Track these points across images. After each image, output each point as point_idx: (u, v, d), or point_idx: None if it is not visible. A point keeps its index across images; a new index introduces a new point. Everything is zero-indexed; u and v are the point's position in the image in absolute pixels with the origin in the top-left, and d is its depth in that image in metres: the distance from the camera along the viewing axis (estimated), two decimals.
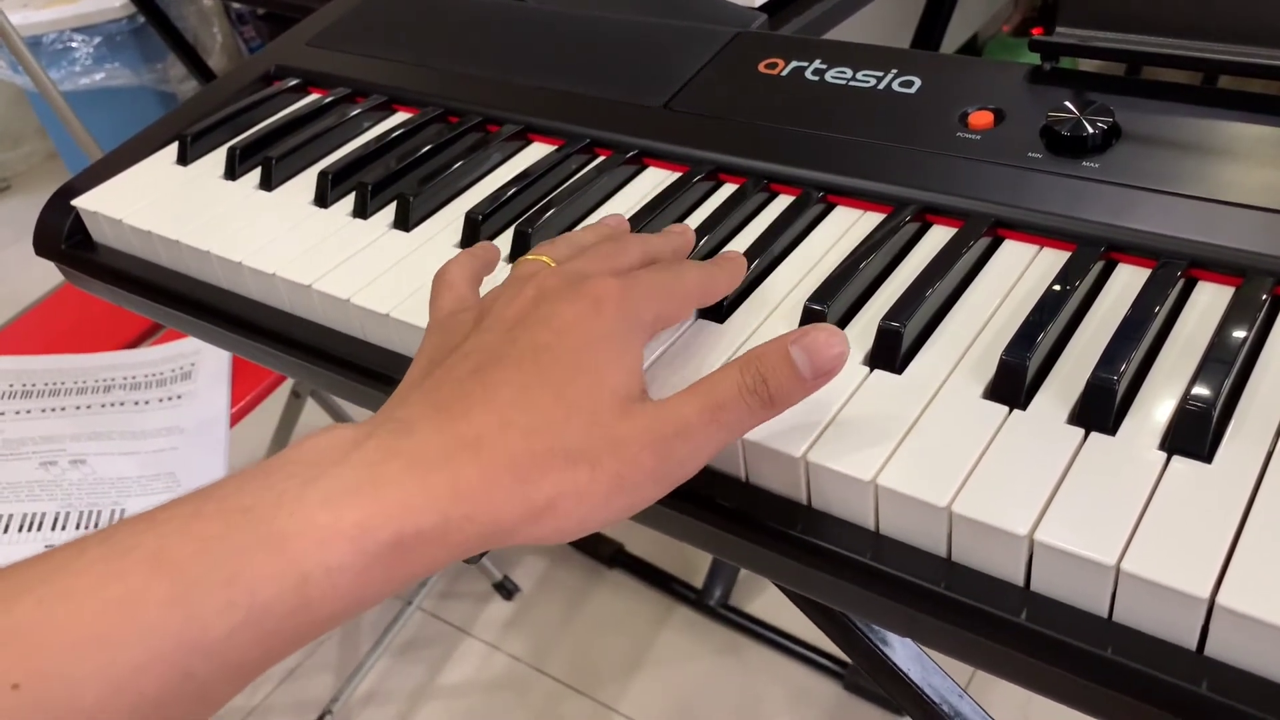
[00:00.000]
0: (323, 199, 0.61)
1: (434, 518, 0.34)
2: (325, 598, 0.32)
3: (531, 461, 0.35)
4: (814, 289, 0.46)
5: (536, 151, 0.63)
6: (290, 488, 0.33)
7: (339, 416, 1.37)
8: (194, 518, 0.32)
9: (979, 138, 0.52)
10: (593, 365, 0.38)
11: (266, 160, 0.64)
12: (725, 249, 0.50)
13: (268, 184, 0.64)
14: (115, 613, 0.29)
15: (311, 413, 1.35)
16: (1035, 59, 0.57)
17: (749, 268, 0.48)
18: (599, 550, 1.46)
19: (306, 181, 0.63)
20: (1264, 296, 0.42)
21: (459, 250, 0.55)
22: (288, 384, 1.26)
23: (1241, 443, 0.37)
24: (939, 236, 0.50)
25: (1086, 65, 0.60)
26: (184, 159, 0.68)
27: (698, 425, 0.37)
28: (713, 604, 1.36)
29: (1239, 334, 0.40)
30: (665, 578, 1.41)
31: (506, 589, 1.43)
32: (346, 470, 0.34)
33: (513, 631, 1.39)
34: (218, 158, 0.67)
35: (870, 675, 0.53)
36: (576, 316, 0.39)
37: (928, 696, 0.54)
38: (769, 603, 1.35)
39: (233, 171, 0.66)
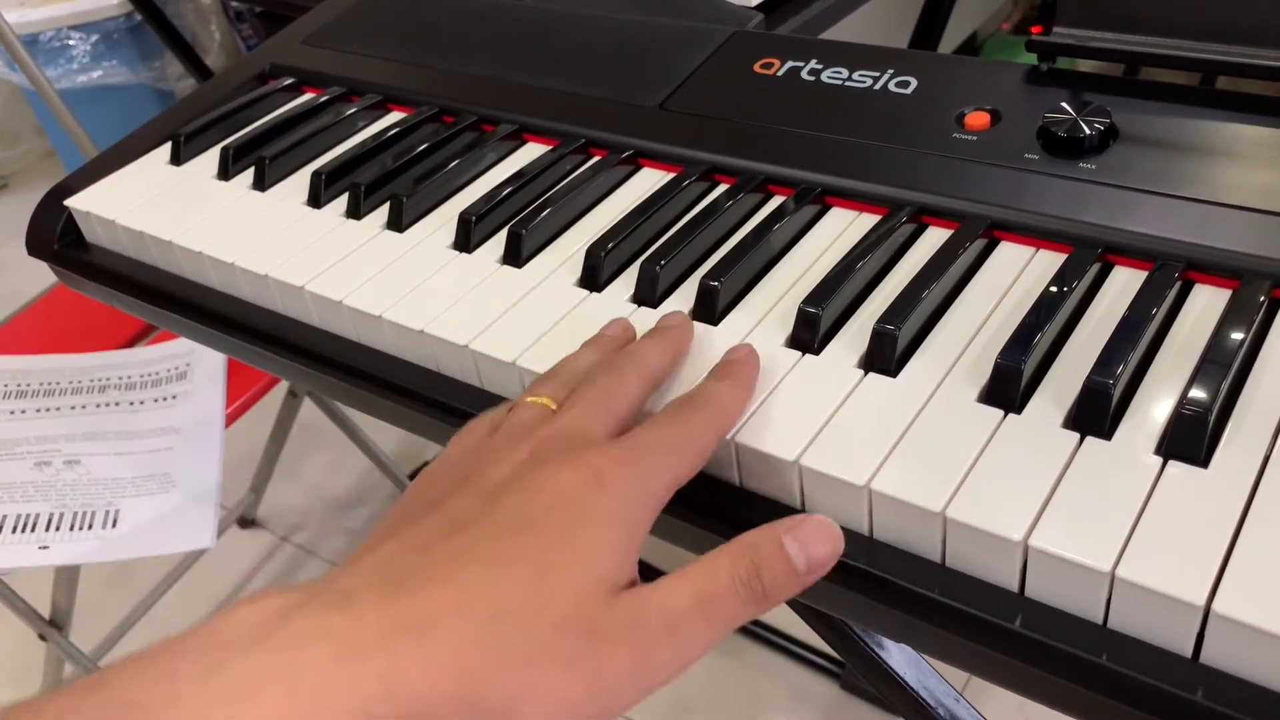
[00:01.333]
0: (316, 199, 0.61)
1: None
2: None
3: (490, 655, 0.30)
4: (809, 291, 0.46)
5: (531, 151, 0.63)
6: (189, 679, 0.28)
7: (335, 415, 1.37)
8: (72, 713, 0.27)
9: (975, 139, 0.52)
10: (583, 547, 0.33)
11: (260, 160, 0.64)
12: (731, 355, 0.43)
13: (261, 184, 0.63)
14: None
15: (308, 411, 1.35)
16: (1032, 59, 0.56)
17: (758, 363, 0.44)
18: None
19: (300, 182, 0.63)
20: (1261, 299, 0.42)
21: (452, 251, 0.55)
22: (284, 383, 1.26)
23: (1238, 447, 0.37)
24: (935, 238, 0.50)
25: (1084, 66, 0.60)
26: (177, 159, 0.68)
27: (686, 620, 0.33)
28: None
29: (1236, 337, 0.40)
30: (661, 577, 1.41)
31: None
32: (260, 654, 0.28)
33: None
34: (211, 157, 0.67)
35: (867, 680, 0.53)
36: (574, 487, 0.34)
37: (924, 700, 0.54)
38: None
39: (226, 172, 0.65)
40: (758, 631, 1.32)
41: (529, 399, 0.40)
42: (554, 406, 0.39)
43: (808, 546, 0.35)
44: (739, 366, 0.42)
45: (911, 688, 0.54)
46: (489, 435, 0.39)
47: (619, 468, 0.35)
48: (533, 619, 0.31)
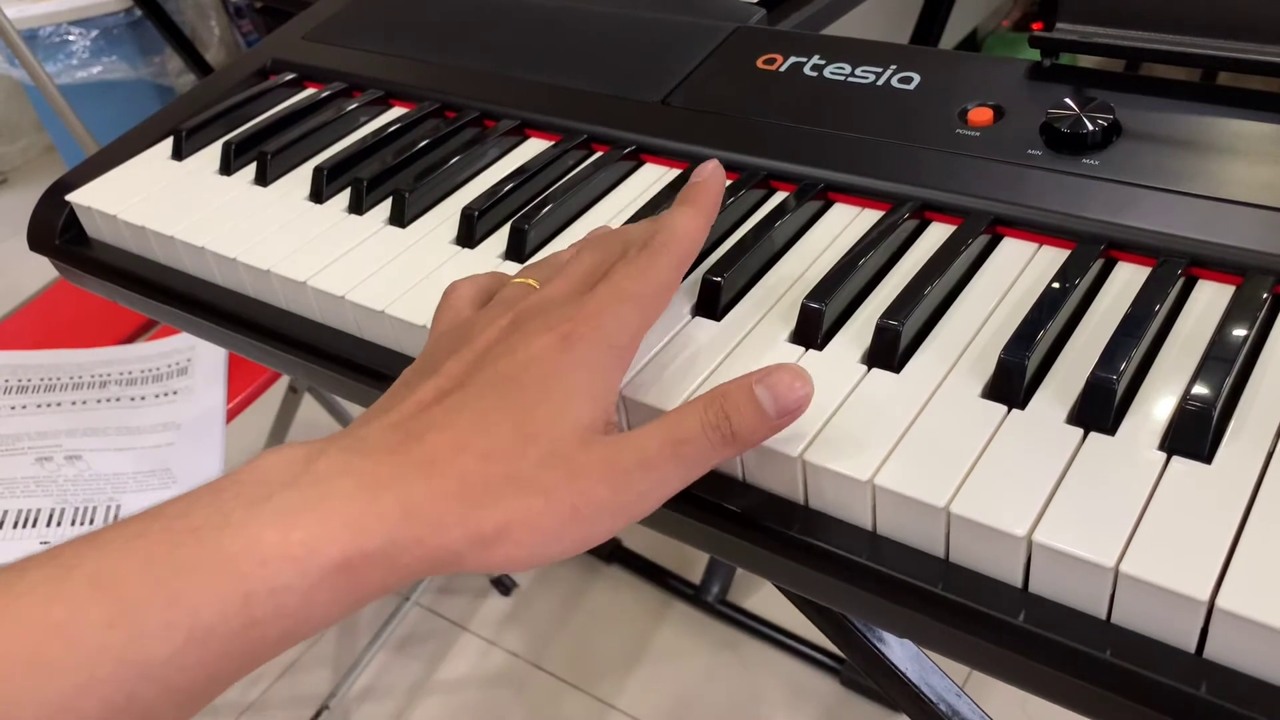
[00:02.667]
0: (318, 194, 0.61)
1: (381, 539, 0.33)
2: (271, 618, 0.31)
3: (483, 486, 0.35)
4: (812, 286, 0.46)
5: (533, 147, 0.63)
6: (237, 507, 0.32)
7: (336, 412, 1.37)
8: (138, 537, 0.31)
9: (978, 134, 0.52)
10: (558, 395, 0.37)
11: (262, 155, 0.64)
12: (701, 168, 0.46)
13: (263, 179, 0.63)
14: (54, 635, 0.29)
15: (309, 408, 1.35)
16: (1035, 54, 0.56)
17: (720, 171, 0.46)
18: (597, 546, 1.45)
19: (302, 177, 0.63)
20: (1264, 295, 0.42)
21: (454, 246, 0.55)
22: (285, 379, 1.26)
23: (1242, 443, 0.37)
24: (938, 234, 0.50)
25: (1086, 61, 0.60)
26: (179, 154, 0.68)
27: (658, 459, 0.37)
28: (710, 600, 1.36)
29: (1239, 333, 0.40)
30: (663, 573, 1.41)
31: (504, 585, 1.43)
32: (296, 489, 0.33)
33: (510, 627, 1.39)
34: (213, 153, 0.67)
35: (868, 675, 0.53)
36: (544, 348, 0.38)
37: (925, 696, 0.54)
38: (766, 599, 1.35)
39: (228, 167, 0.65)
40: (756, 627, 1.32)
41: (516, 279, 0.45)
42: (536, 286, 0.43)
43: (777, 392, 0.38)
44: (700, 190, 0.46)
45: (913, 683, 0.54)
46: (469, 310, 0.45)
47: (585, 328, 0.39)
48: (518, 455, 0.36)
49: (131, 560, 0.31)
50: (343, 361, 0.53)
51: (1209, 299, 0.44)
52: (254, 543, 0.32)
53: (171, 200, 0.63)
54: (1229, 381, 0.38)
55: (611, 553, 1.44)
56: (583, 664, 1.34)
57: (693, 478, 0.38)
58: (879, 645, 0.53)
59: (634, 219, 0.53)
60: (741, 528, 0.41)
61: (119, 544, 0.31)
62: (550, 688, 1.32)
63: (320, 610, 0.33)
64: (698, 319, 0.47)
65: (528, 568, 0.36)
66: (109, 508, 0.90)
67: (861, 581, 0.39)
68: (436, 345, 0.42)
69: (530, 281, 0.44)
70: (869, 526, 0.39)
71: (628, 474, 0.36)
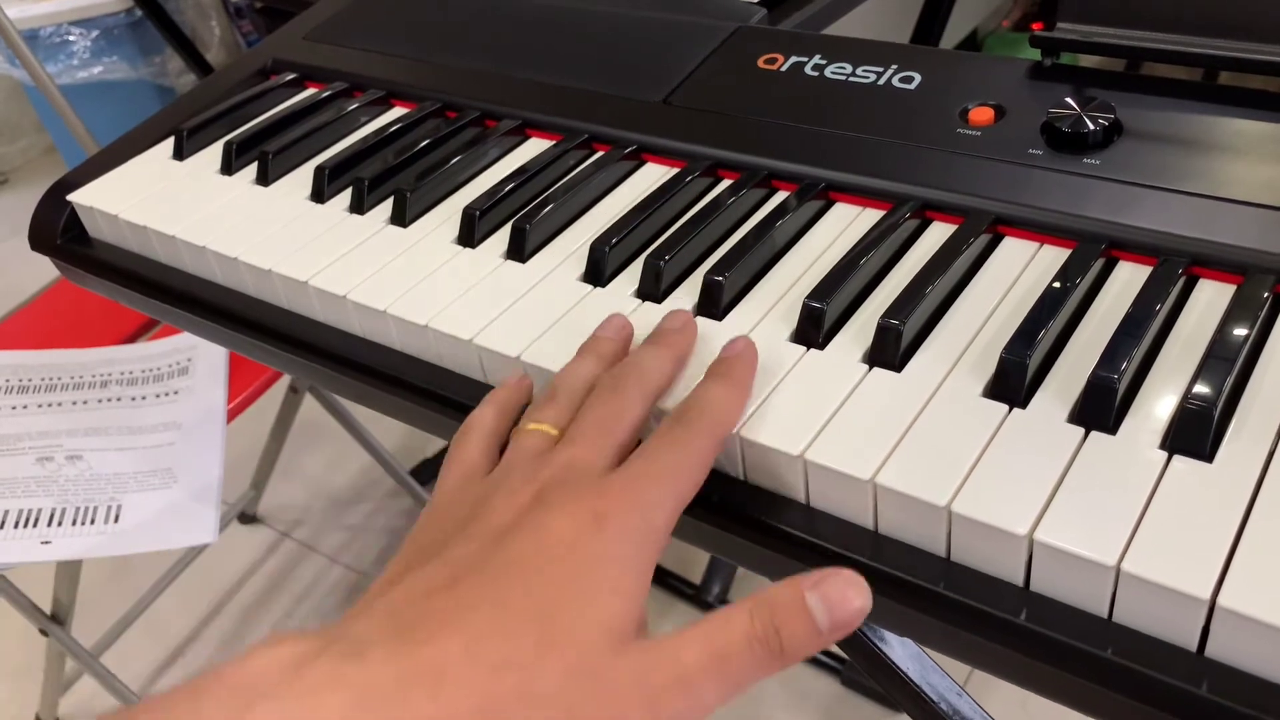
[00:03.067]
0: (319, 194, 0.61)
1: None
2: None
3: (498, 704, 0.30)
4: (813, 286, 0.46)
5: (534, 147, 0.63)
6: (215, 718, 0.29)
7: (337, 412, 1.37)
8: None
9: (979, 134, 0.52)
10: (587, 592, 0.33)
11: (263, 155, 0.64)
12: (726, 352, 0.43)
13: (264, 179, 0.63)
14: None
15: (310, 408, 1.35)
16: (1036, 54, 0.56)
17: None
18: None
19: (303, 177, 0.63)
20: (1265, 294, 0.42)
21: (456, 246, 0.55)
22: (286, 379, 1.26)
23: (1243, 442, 0.37)
24: (939, 233, 0.50)
25: (1087, 61, 0.60)
26: (180, 154, 0.68)
27: (698, 675, 0.32)
28: (711, 600, 1.36)
29: (1240, 332, 0.40)
30: (663, 573, 1.41)
31: None
32: (284, 700, 0.29)
33: None
34: (214, 152, 0.67)
35: (869, 674, 0.53)
36: (575, 534, 0.34)
37: (926, 695, 0.54)
38: None
39: (229, 166, 0.65)
40: None
41: (530, 426, 0.40)
42: (555, 433, 0.40)
43: (832, 605, 0.33)
44: (735, 364, 0.42)
45: (914, 682, 0.54)
46: (483, 459, 0.40)
47: (619, 507, 0.35)
48: (540, 666, 0.31)
49: None
50: (344, 361, 0.53)
51: (1210, 298, 0.44)
52: None
53: (173, 200, 0.63)
54: (1230, 381, 0.38)
55: None
56: None
57: (731, 697, 0.33)
58: (880, 644, 0.53)
59: (636, 214, 0.53)
60: (743, 526, 0.41)
61: None
62: None
63: None
64: (699, 319, 0.47)
65: None
66: (110, 507, 0.90)
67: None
68: (447, 509, 0.38)
69: (548, 429, 0.40)
70: (870, 525, 0.39)
71: (662, 692, 0.32)
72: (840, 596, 0.33)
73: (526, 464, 0.38)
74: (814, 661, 1.27)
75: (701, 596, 1.36)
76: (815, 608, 0.33)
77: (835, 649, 1.25)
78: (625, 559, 0.34)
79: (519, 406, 0.44)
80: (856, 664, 0.53)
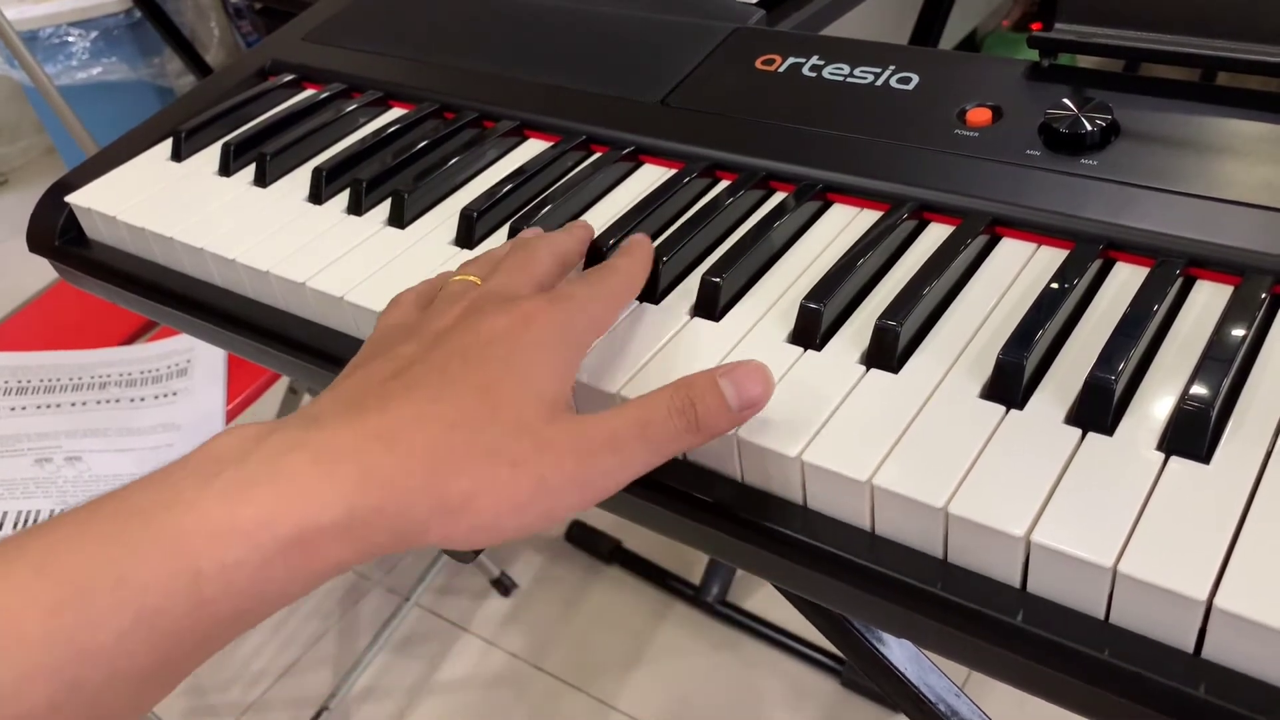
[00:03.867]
0: (317, 196, 0.61)
1: (338, 510, 0.32)
2: (222, 596, 0.31)
3: (449, 453, 0.34)
4: (810, 287, 0.46)
5: (532, 148, 0.63)
6: (187, 486, 0.32)
7: None
8: (85, 521, 0.31)
9: (977, 135, 0.52)
10: (522, 369, 0.37)
11: (261, 156, 0.64)
12: (630, 238, 0.50)
13: (262, 180, 0.63)
14: None
15: None
16: (1034, 55, 0.56)
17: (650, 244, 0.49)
18: (597, 546, 1.46)
19: (301, 178, 0.63)
20: (1262, 295, 0.42)
21: (454, 247, 0.55)
22: (284, 380, 1.26)
23: (1240, 443, 0.37)
24: (936, 234, 0.50)
25: (1085, 62, 0.60)
26: (178, 155, 0.68)
27: (624, 437, 0.37)
28: (710, 600, 1.36)
29: (1237, 333, 0.40)
30: (663, 574, 1.41)
31: (504, 585, 1.43)
32: (246, 465, 0.33)
33: (510, 628, 1.39)
34: (212, 154, 0.67)
35: (867, 675, 0.53)
36: (507, 327, 0.39)
37: (924, 696, 0.54)
38: (766, 599, 1.35)
39: (227, 168, 0.65)
40: (756, 627, 1.32)
41: (456, 277, 0.45)
42: (478, 281, 0.44)
43: (740, 385, 0.39)
44: (635, 246, 0.48)
45: (912, 683, 0.54)
46: (414, 309, 0.44)
47: (545, 311, 0.40)
48: (484, 425, 0.35)
49: (78, 543, 0.30)
50: (341, 362, 0.53)
51: (1207, 299, 0.44)
52: (203, 519, 0.31)
53: (171, 201, 0.63)
54: (1227, 382, 0.38)
55: (612, 553, 1.44)
56: (583, 664, 1.34)
57: (656, 462, 0.38)
58: (878, 646, 0.53)
59: (634, 215, 0.53)
60: (741, 528, 0.41)
61: (66, 529, 0.31)
62: (550, 688, 1.32)
63: (275, 588, 0.32)
64: (696, 319, 0.47)
65: (490, 542, 0.35)
66: None
67: (860, 582, 0.39)
68: (384, 336, 0.42)
69: (472, 278, 0.44)
70: (868, 527, 0.39)
71: (595, 450, 0.36)
72: (747, 380, 0.39)
73: (452, 296, 0.43)
74: (814, 663, 1.27)
75: (701, 597, 1.36)
76: (725, 388, 0.39)
77: (835, 650, 1.25)
78: (554, 348, 0.39)
79: (441, 283, 0.47)
80: (854, 665, 0.53)
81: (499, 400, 0.36)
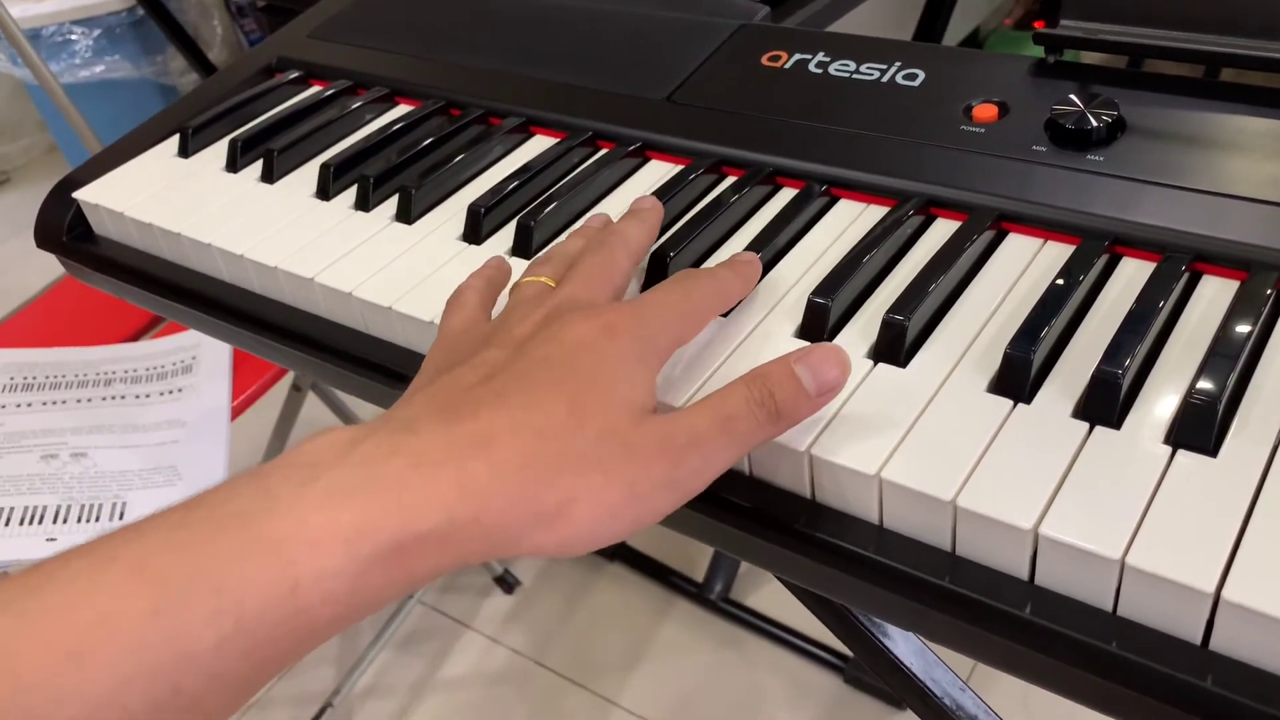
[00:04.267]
0: (325, 191, 0.61)
1: (436, 519, 0.32)
2: (319, 604, 0.30)
3: (545, 462, 0.34)
4: (818, 282, 0.46)
5: (539, 144, 0.63)
6: (284, 491, 0.32)
7: (340, 410, 1.37)
8: (180, 526, 0.31)
9: (983, 130, 0.52)
10: (605, 378, 0.37)
11: (268, 153, 0.64)
12: (736, 252, 0.48)
13: (269, 176, 0.64)
14: (96, 627, 0.28)
15: (312, 406, 1.35)
16: (1038, 52, 0.56)
17: (759, 265, 0.48)
18: None
19: (308, 174, 0.63)
20: (1268, 291, 0.42)
21: (461, 243, 0.55)
22: (289, 377, 1.26)
23: (1246, 437, 0.37)
24: (943, 230, 0.50)
25: (1090, 58, 0.60)
26: (185, 151, 0.68)
27: (709, 435, 0.37)
28: (713, 597, 1.36)
29: (1244, 328, 0.40)
30: (666, 571, 1.41)
31: (507, 582, 1.43)
32: (343, 470, 0.32)
33: (513, 625, 1.39)
34: (219, 150, 0.67)
35: (872, 669, 0.53)
36: (591, 336, 0.38)
37: (930, 690, 0.54)
38: (769, 596, 1.35)
39: (234, 164, 0.65)
40: (759, 625, 1.32)
41: (527, 279, 0.44)
42: (552, 284, 0.43)
43: (817, 370, 0.39)
44: (743, 263, 0.47)
45: (918, 677, 0.54)
46: (480, 311, 0.44)
47: (628, 322, 0.39)
48: (574, 433, 0.35)
49: (174, 548, 0.30)
50: (349, 357, 0.54)
51: (1213, 294, 0.44)
52: (300, 525, 0.31)
53: (178, 197, 0.63)
54: (1234, 376, 0.38)
55: (614, 551, 1.44)
56: (585, 662, 1.34)
57: (740, 455, 0.39)
58: (883, 639, 0.53)
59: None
60: (748, 521, 0.41)
61: (161, 533, 0.30)
62: (553, 685, 1.32)
63: (371, 595, 0.32)
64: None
65: (582, 549, 0.35)
66: (114, 505, 0.90)
67: (868, 575, 0.39)
68: (458, 341, 0.42)
69: (546, 280, 0.44)
70: (875, 520, 0.40)
71: (681, 450, 0.36)
72: (823, 364, 0.39)
73: (530, 301, 0.42)
74: (817, 660, 1.28)
75: (704, 594, 1.36)
76: (802, 374, 0.39)
77: (838, 647, 1.25)
78: (637, 359, 0.39)
79: (503, 283, 0.48)
80: (860, 659, 0.53)
81: (586, 410, 0.36)
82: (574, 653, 1.35)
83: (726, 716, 1.26)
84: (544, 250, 0.46)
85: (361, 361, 0.53)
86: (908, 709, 0.56)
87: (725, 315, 0.47)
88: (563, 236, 0.55)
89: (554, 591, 1.43)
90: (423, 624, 1.41)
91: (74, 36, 2.06)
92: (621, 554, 1.44)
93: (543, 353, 0.38)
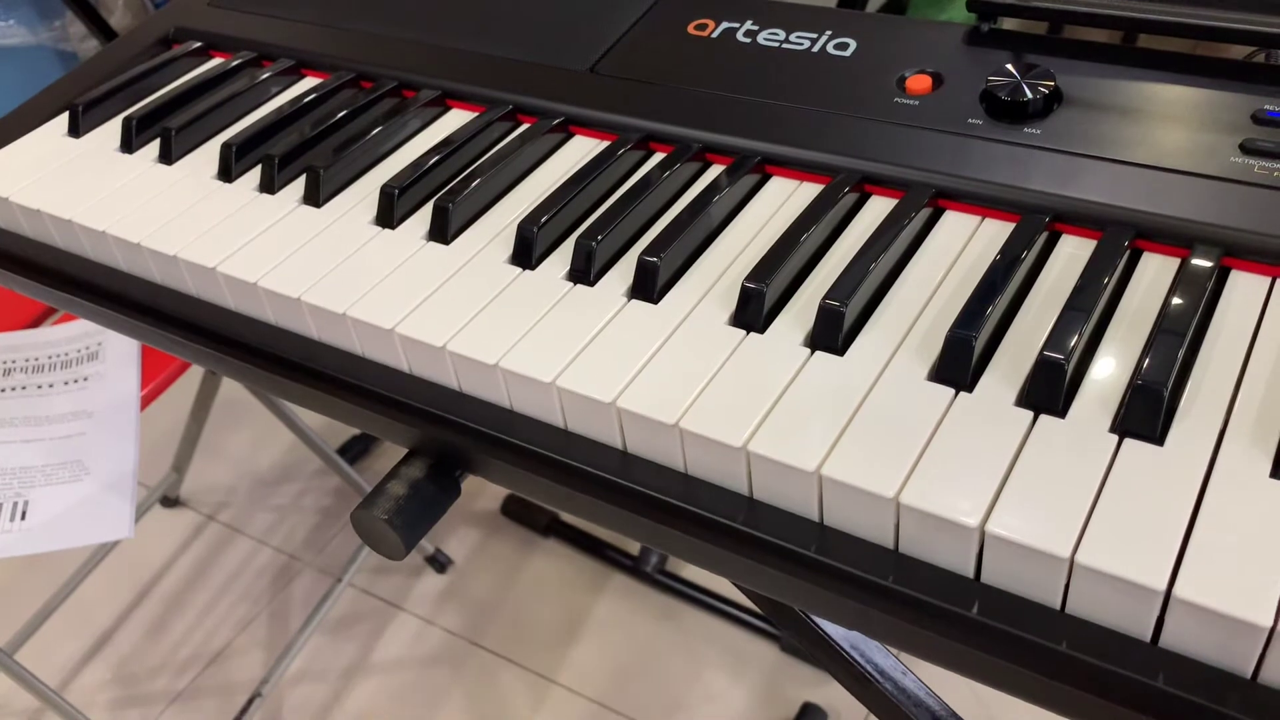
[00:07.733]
0: (227, 173, 0.57)
1: None
2: None
3: None
4: (751, 266, 0.44)
5: (456, 119, 0.60)
6: None
7: (259, 391, 1.32)
8: None
9: (917, 103, 0.51)
10: None
11: (165, 131, 0.60)
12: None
13: (167, 157, 0.60)
14: None
15: (230, 386, 1.30)
16: (961, 16, 0.55)
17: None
18: (533, 519, 1.44)
19: (209, 154, 0.59)
20: (1210, 267, 0.41)
21: (375, 227, 0.52)
22: None
23: (1193, 422, 0.36)
24: (879, 208, 0.48)
25: (1011, 24, 0.59)
26: (76, 130, 0.63)
27: None
28: (649, 570, 1.35)
29: (1187, 308, 0.39)
30: (600, 545, 1.40)
31: (439, 562, 1.41)
32: None
33: (447, 605, 1.37)
34: (113, 129, 0.63)
35: (813, 656, 0.52)
36: None
37: (869, 673, 0.53)
38: None
39: (129, 144, 0.61)
40: (695, 596, 1.31)
41: None
42: None
43: None
44: None
45: (857, 662, 0.53)
46: None
47: None
48: None
49: None
50: (258, 352, 0.50)
51: (1155, 272, 0.43)
52: None
53: (69, 181, 0.59)
54: (1179, 359, 0.37)
55: (548, 526, 1.42)
56: (522, 639, 1.32)
57: None
58: (823, 626, 0.52)
59: (565, 191, 0.50)
60: (683, 520, 0.40)
61: None
62: (489, 664, 1.30)
63: None
64: (634, 302, 0.45)
65: None
66: (16, 504, 0.85)
67: (808, 575, 0.37)
68: None
69: None
70: (816, 518, 0.38)
71: None
72: None
73: None
74: (753, 629, 1.28)
75: (639, 567, 1.35)
76: None
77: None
78: None
79: None
80: (804, 650, 0.52)
81: None
82: (509, 631, 1.33)
83: (665, 688, 1.25)
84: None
85: (271, 356, 0.50)
86: None
87: (655, 302, 0.45)
88: (484, 218, 0.52)
89: (487, 570, 1.40)
90: (354, 607, 1.38)
91: None
92: (555, 530, 1.42)
93: None
